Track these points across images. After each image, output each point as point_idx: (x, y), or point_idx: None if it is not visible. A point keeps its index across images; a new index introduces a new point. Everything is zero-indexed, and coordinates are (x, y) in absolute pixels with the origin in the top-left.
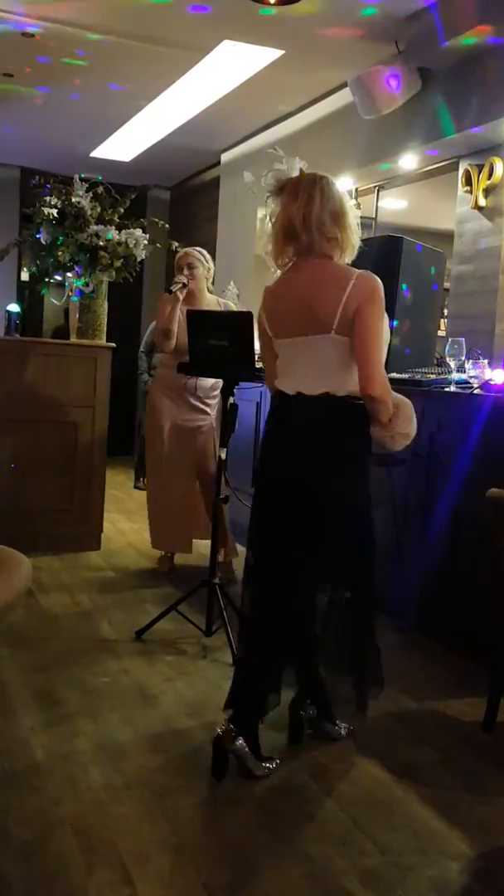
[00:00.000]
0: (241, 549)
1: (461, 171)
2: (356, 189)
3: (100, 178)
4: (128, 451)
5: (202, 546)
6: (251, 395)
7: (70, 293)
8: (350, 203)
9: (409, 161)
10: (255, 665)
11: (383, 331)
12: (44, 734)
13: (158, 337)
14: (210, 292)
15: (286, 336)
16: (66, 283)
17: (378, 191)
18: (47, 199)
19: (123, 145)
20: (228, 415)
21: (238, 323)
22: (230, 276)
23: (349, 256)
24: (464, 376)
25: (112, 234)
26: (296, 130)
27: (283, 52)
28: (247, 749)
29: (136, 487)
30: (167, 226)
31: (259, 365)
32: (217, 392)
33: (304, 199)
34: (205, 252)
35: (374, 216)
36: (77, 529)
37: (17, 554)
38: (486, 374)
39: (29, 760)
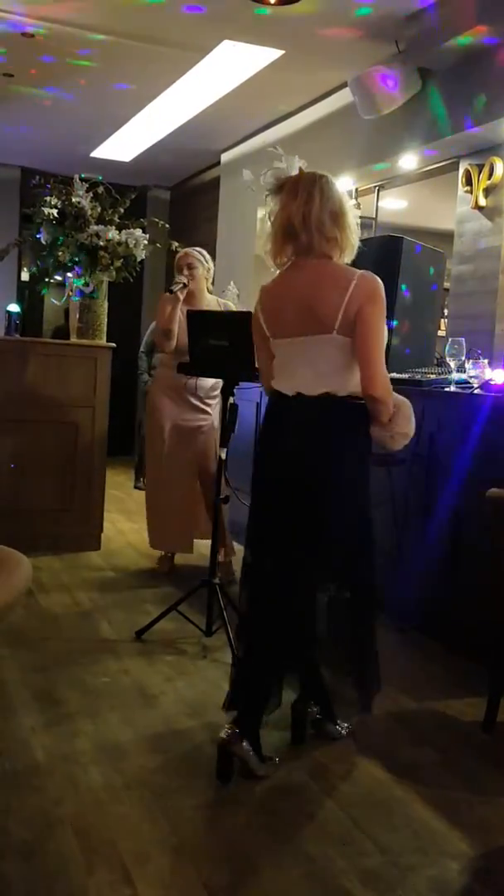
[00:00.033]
0: (238, 549)
1: (461, 171)
2: (356, 189)
3: (100, 178)
4: (128, 451)
5: (202, 546)
6: (251, 395)
7: (70, 293)
8: (350, 203)
9: (409, 161)
10: (256, 665)
11: (384, 331)
12: (44, 734)
13: (159, 337)
14: (210, 292)
15: (284, 336)
16: (67, 283)
17: (378, 191)
18: (47, 199)
19: (123, 145)
20: (228, 415)
21: (238, 323)
22: (230, 276)
23: (348, 256)
24: (464, 376)
25: (112, 233)
26: (296, 130)
27: (283, 52)
28: (251, 751)
29: (136, 487)
30: (167, 226)
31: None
32: (217, 392)
33: (304, 197)
34: (205, 252)
35: (374, 216)
36: (77, 529)
37: (17, 554)
38: (486, 374)
39: (29, 760)
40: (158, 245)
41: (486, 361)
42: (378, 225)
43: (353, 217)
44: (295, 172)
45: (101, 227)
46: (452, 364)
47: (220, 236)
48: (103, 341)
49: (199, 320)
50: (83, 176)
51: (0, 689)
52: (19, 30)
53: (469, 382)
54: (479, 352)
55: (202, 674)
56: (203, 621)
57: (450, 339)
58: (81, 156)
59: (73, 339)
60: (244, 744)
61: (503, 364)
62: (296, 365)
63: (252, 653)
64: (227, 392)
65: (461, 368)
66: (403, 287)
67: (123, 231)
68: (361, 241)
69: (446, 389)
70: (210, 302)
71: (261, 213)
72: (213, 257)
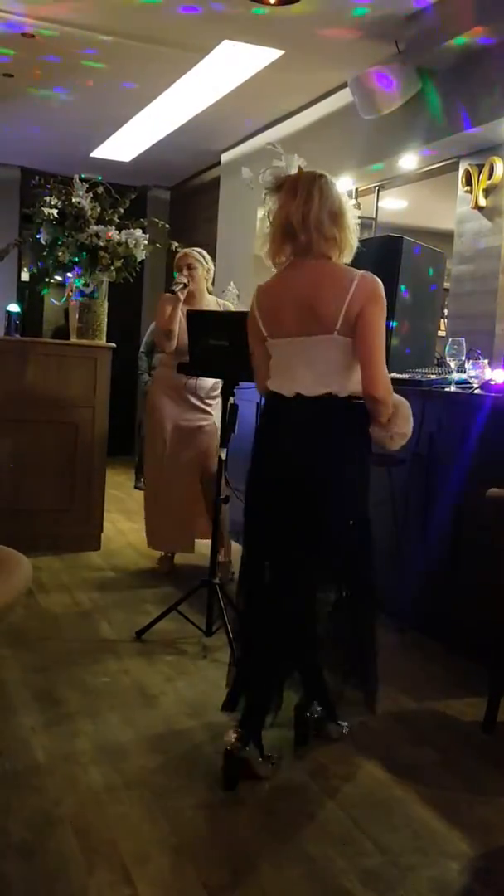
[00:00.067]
0: (237, 548)
1: (461, 171)
2: (356, 189)
3: (100, 178)
4: (128, 451)
5: (202, 546)
6: (251, 395)
7: (70, 293)
8: (349, 203)
9: (408, 161)
10: (257, 666)
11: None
12: (44, 734)
13: (159, 337)
14: (210, 293)
15: (283, 336)
16: (67, 284)
17: (378, 191)
18: (47, 199)
19: (123, 145)
20: (228, 415)
21: (238, 323)
22: (230, 276)
23: (347, 256)
24: (464, 376)
25: (112, 233)
26: (296, 130)
27: (283, 52)
28: (259, 756)
29: (136, 487)
30: (167, 226)
31: None
32: (217, 392)
33: (303, 197)
34: (204, 252)
35: (374, 216)
36: (77, 529)
37: (17, 554)
38: (486, 374)
39: (29, 760)
40: (158, 245)
41: (486, 361)
42: (378, 225)
43: (352, 217)
44: (294, 171)
45: (101, 227)
46: (452, 364)
47: (220, 236)
48: (103, 341)
49: (199, 320)
50: (83, 176)
51: (0, 689)
52: (19, 30)
53: (469, 382)
54: (479, 352)
55: (202, 674)
56: (203, 621)
57: (450, 339)
58: (81, 156)
59: (73, 339)
60: (250, 747)
61: (503, 364)
62: (294, 365)
63: (252, 654)
64: (227, 392)
65: (461, 368)
66: (403, 288)
67: (123, 231)
68: (361, 241)
69: (446, 389)
70: (210, 302)
71: (261, 213)
72: (213, 257)
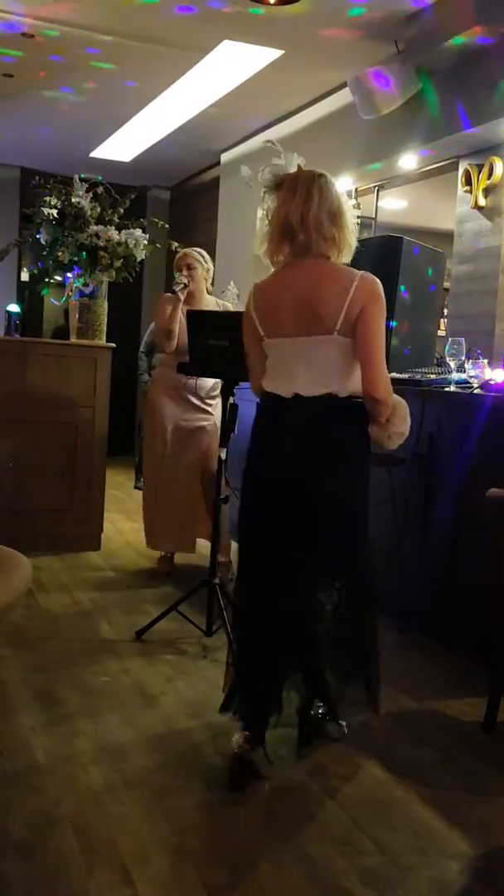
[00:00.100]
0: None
1: (461, 171)
2: (356, 189)
3: (100, 178)
4: (128, 451)
5: (202, 546)
6: (251, 395)
7: (70, 293)
8: (348, 203)
9: (408, 161)
10: (258, 668)
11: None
12: (44, 734)
13: (160, 337)
14: (209, 293)
15: (280, 336)
16: (67, 284)
17: (378, 191)
18: (47, 199)
19: (123, 145)
20: (228, 415)
21: (238, 323)
22: (230, 276)
23: (346, 256)
24: (464, 376)
25: (112, 233)
26: (296, 130)
27: (282, 52)
28: (263, 756)
29: (136, 487)
30: (167, 226)
31: None
32: (218, 392)
33: (303, 196)
34: (204, 253)
35: (374, 216)
36: (77, 529)
37: (17, 554)
38: (486, 373)
39: (29, 760)
40: (158, 245)
41: (485, 361)
42: (378, 225)
43: (351, 217)
44: (293, 169)
45: (100, 227)
46: (452, 364)
47: (219, 236)
48: (103, 341)
49: (199, 320)
50: (83, 176)
51: (0, 689)
52: (19, 30)
53: (469, 382)
54: (479, 352)
55: (202, 674)
56: (203, 621)
57: (450, 339)
58: (81, 156)
59: (73, 339)
60: (257, 750)
61: (503, 364)
62: (292, 366)
63: (252, 654)
64: (227, 392)
65: (461, 368)
66: (402, 288)
67: (123, 231)
68: (360, 241)
69: (446, 389)
70: (209, 302)
71: (260, 213)
72: (213, 257)
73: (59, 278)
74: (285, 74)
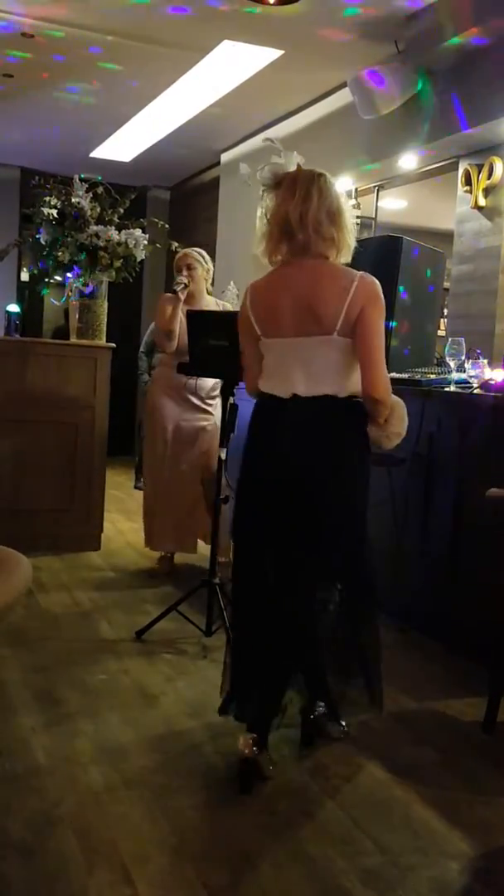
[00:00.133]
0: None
1: (461, 171)
2: (356, 189)
3: (100, 178)
4: (128, 451)
5: (202, 546)
6: None
7: (70, 293)
8: (347, 203)
9: (408, 161)
10: (259, 669)
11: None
12: (44, 734)
13: (160, 337)
14: (209, 293)
15: (278, 336)
16: (67, 284)
17: (378, 191)
18: (47, 199)
19: (123, 145)
20: (228, 415)
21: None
22: (230, 276)
23: (344, 257)
24: (464, 376)
25: (112, 233)
26: (296, 130)
27: (282, 52)
28: (268, 757)
29: (136, 487)
30: (167, 226)
31: None
32: (218, 392)
33: (302, 195)
34: (204, 253)
35: (373, 216)
36: (77, 529)
37: (17, 554)
38: (486, 373)
39: (29, 760)
40: (158, 245)
41: (485, 361)
42: (378, 225)
43: (350, 217)
44: (293, 168)
45: (100, 227)
46: (452, 364)
47: (219, 236)
48: (103, 341)
49: (199, 320)
50: (83, 176)
51: (0, 689)
52: (18, 30)
53: (469, 382)
54: (479, 352)
55: (202, 674)
56: (203, 621)
57: (449, 339)
58: (81, 156)
59: (73, 339)
60: (264, 753)
61: (503, 364)
62: (290, 366)
63: (252, 656)
64: (226, 392)
65: (461, 368)
66: (402, 288)
67: (123, 231)
68: (360, 241)
69: (446, 389)
70: (209, 302)
71: (260, 212)
72: (213, 257)
73: (59, 278)
74: (285, 74)
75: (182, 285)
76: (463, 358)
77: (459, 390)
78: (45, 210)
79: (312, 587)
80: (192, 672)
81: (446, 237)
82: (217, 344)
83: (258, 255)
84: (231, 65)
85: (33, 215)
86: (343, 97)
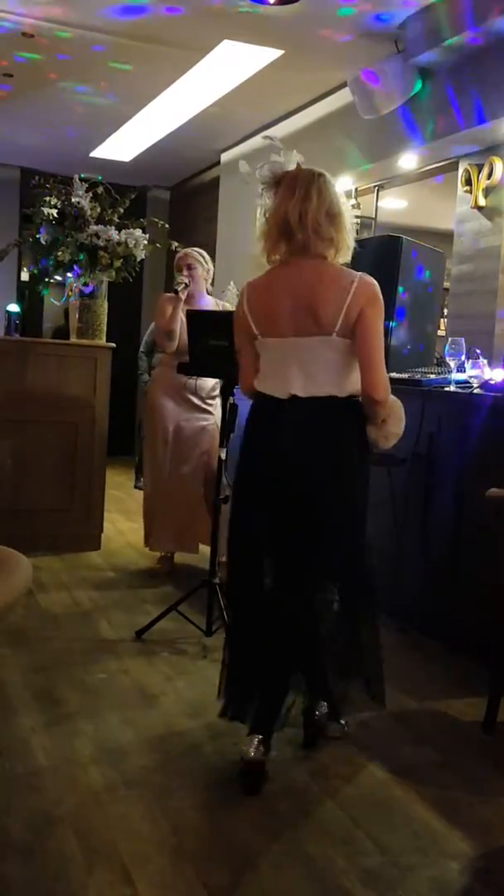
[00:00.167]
0: None
1: (461, 171)
2: (356, 189)
3: (100, 178)
4: (128, 451)
5: (203, 547)
6: None
7: (70, 293)
8: (347, 203)
9: (408, 161)
10: (260, 670)
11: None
12: (44, 734)
13: (160, 338)
14: (209, 293)
15: (276, 336)
16: (67, 284)
17: (378, 191)
18: (47, 199)
19: (123, 145)
20: (228, 415)
21: None
22: (230, 276)
23: (343, 257)
24: (463, 376)
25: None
26: (296, 130)
27: (282, 51)
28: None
29: (136, 487)
30: (167, 226)
31: None
32: (218, 392)
33: (302, 195)
34: (204, 253)
35: (373, 216)
36: (77, 529)
37: (17, 554)
38: (486, 373)
39: (29, 760)
40: (158, 245)
41: (485, 361)
42: (377, 225)
43: (349, 217)
44: (292, 167)
45: (100, 227)
46: (452, 364)
47: (219, 236)
48: (103, 341)
49: (199, 320)
50: (83, 176)
51: (0, 689)
52: (19, 30)
53: (469, 382)
54: (479, 352)
55: (202, 674)
56: (203, 621)
57: (449, 339)
58: (81, 156)
59: (73, 339)
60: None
61: (503, 364)
62: (288, 366)
63: (252, 657)
64: (227, 392)
65: (461, 368)
66: (401, 290)
67: (123, 231)
68: (359, 241)
69: (446, 389)
70: (208, 302)
71: (259, 211)
72: (213, 257)
73: (59, 278)
74: (285, 74)
75: (182, 285)
76: (463, 358)
77: (459, 390)
78: (46, 210)
79: (313, 587)
80: (192, 672)
81: (446, 237)
82: (217, 344)
83: (258, 256)
84: (231, 64)
85: (33, 215)
86: (343, 97)
